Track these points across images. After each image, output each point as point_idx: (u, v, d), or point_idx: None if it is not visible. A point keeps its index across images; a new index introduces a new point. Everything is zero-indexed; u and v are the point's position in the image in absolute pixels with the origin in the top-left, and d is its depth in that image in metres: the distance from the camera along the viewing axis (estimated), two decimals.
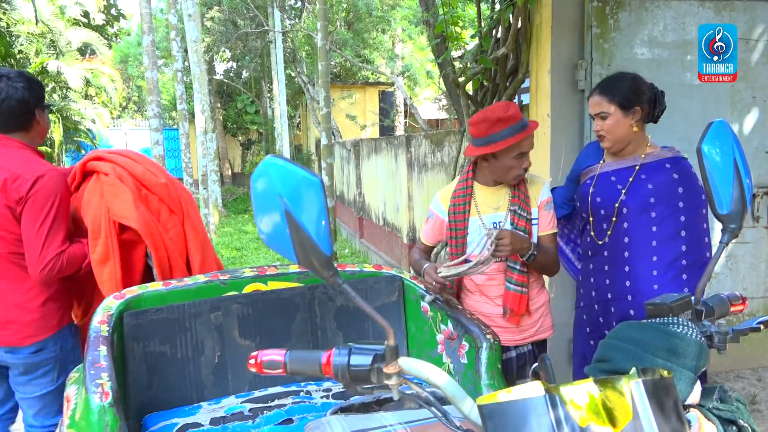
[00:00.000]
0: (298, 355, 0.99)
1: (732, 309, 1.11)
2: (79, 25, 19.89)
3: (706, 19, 3.53)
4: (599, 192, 2.48)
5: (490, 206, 2.36)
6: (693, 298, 0.99)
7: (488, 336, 2.06)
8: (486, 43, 3.59)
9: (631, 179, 2.40)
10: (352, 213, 10.62)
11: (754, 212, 3.72)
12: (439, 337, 2.31)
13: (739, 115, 3.65)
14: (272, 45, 11.81)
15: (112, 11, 26.50)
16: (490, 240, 2.12)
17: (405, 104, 17.37)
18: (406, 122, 16.81)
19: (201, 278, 2.23)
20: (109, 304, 2.02)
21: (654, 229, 2.35)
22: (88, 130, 19.25)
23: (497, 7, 3.86)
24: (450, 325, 2.23)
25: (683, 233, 2.34)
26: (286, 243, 0.86)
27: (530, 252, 2.26)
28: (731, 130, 1.07)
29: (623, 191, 2.40)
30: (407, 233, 6.98)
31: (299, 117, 19.17)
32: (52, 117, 15.44)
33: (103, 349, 1.76)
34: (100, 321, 1.91)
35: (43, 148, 16.64)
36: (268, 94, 18.30)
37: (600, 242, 2.50)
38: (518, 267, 2.34)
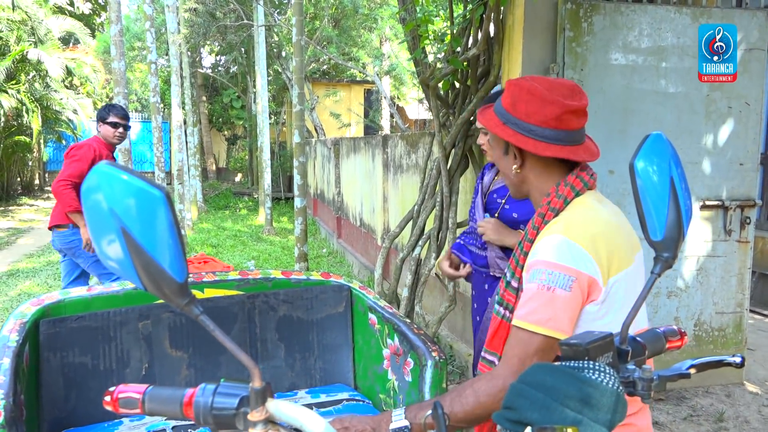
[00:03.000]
0: (159, 393, 0.86)
1: (668, 346, 0.98)
2: (64, 14, 19.57)
3: (682, 26, 3.43)
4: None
5: None
6: (619, 336, 0.87)
7: (434, 354, 1.93)
8: (456, 43, 3.47)
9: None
10: (331, 212, 10.48)
11: (727, 226, 3.62)
12: (386, 351, 2.18)
13: (714, 125, 3.55)
14: (256, 39, 11.61)
15: (99, 0, 26.15)
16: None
17: (393, 103, 17.23)
18: (392, 121, 16.68)
19: (129, 284, 2.08)
20: (24, 311, 1.87)
21: None
22: (69, 120, 18.95)
23: (469, 6, 3.74)
24: (396, 339, 2.11)
25: None
26: (129, 267, 0.73)
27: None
28: (670, 144, 0.94)
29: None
30: (381, 235, 6.84)
31: (284, 113, 18.98)
32: (30, 106, 15.14)
33: (6, 362, 1.61)
34: (10, 329, 1.76)
35: (21, 138, 16.36)
36: (253, 90, 18.10)
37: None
38: None
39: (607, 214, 1.29)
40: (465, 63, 3.57)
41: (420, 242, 3.96)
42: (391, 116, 15.57)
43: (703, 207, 3.58)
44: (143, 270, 0.72)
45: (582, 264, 1.17)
